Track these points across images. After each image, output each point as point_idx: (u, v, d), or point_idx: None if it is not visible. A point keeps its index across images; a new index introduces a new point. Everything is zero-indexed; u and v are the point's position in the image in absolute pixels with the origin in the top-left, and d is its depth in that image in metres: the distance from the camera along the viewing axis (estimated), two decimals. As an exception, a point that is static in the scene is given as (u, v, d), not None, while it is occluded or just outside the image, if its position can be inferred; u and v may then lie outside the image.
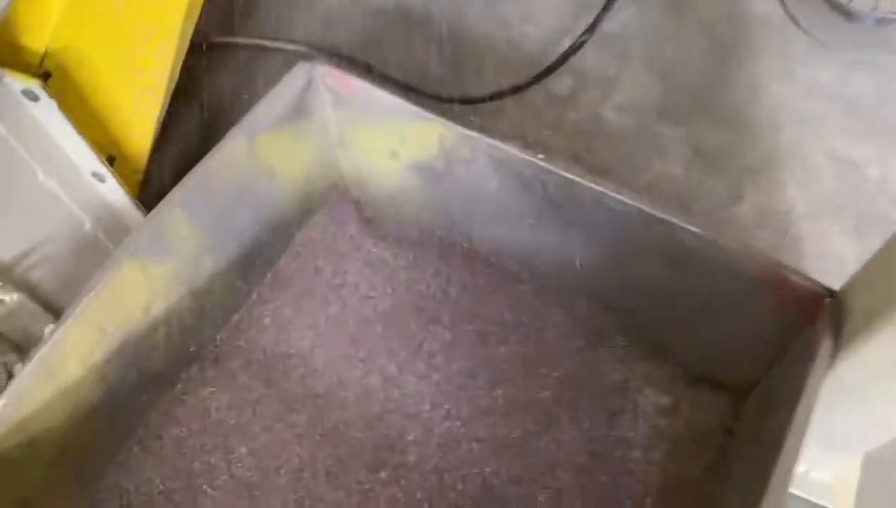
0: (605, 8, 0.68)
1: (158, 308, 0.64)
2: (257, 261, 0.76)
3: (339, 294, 0.77)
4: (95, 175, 0.67)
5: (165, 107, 0.74)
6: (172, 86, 0.73)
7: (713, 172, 0.88)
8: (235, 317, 0.76)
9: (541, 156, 0.63)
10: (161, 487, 0.69)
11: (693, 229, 0.58)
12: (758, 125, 0.91)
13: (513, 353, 0.74)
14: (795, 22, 0.96)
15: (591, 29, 0.65)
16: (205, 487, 0.69)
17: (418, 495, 0.68)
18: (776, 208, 0.84)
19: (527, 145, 0.93)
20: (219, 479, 0.69)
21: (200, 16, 0.75)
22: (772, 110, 0.92)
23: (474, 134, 0.65)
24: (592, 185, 0.60)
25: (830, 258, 0.81)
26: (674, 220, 0.58)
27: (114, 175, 0.68)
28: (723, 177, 0.88)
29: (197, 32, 0.76)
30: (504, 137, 0.83)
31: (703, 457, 0.69)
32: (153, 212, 0.61)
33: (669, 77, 0.97)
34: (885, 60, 0.93)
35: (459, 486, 0.69)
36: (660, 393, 0.72)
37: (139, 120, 0.71)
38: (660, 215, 0.59)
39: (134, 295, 0.61)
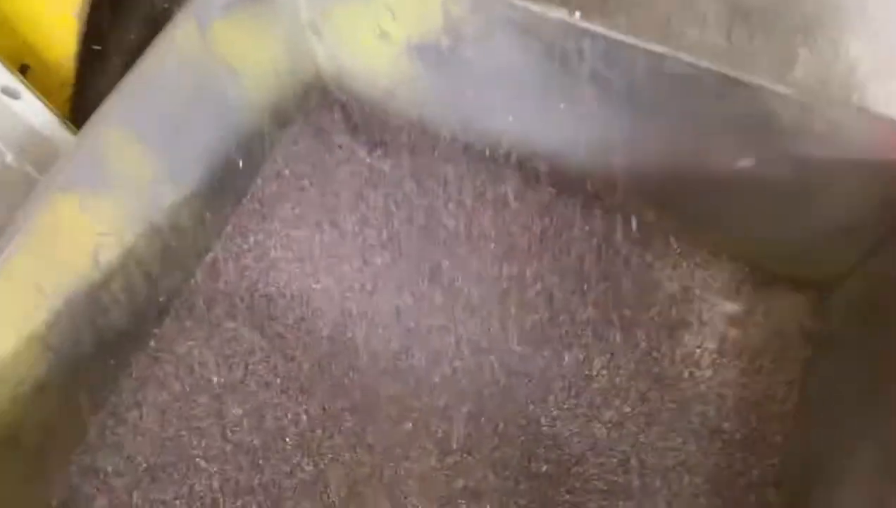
0: None
1: (110, 253, 0.51)
2: (228, 185, 0.63)
3: (332, 219, 0.64)
4: (5, 91, 0.52)
5: None
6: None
7: (759, 34, 0.74)
8: (210, 256, 0.63)
9: (578, 14, 0.49)
10: (145, 464, 0.57)
11: (783, 90, 0.45)
12: (807, -26, 0.76)
13: (547, 269, 0.62)
14: None
15: None
16: (198, 459, 0.58)
17: (454, 444, 0.57)
18: (837, 70, 0.71)
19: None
20: (213, 448, 0.58)
21: None
22: (822, -45, 0.77)
23: (487, -4, 0.51)
24: (650, 46, 0.47)
25: (907, 124, 0.69)
26: (760, 81, 0.45)
27: (30, 89, 0.53)
28: (771, 40, 0.74)
29: None
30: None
31: (785, 371, 0.58)
32: (84, 130, 0.47)
33: (697, -74, 0.81)
34: None
35: (501, 428, 0.58)
36: (727, 299, 0.61)
37: (57, 18, 0.55)
38: (742, 76, 0.45)
39: (74, 239, 0.47)
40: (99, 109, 0.47)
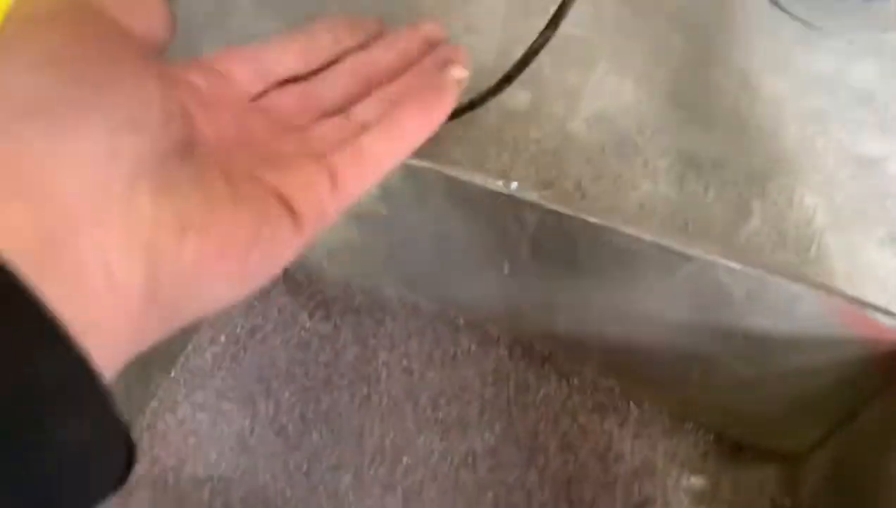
0: (563, 5, 0.53)
1: None
2: (154, 353, 0.58)
3: (268, 389, 0.60)
4: None
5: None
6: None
7: (712, 186, 0.74)
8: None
9: (514, 185, 0.47)
10: None
11: (733, 264, 0.43)
12: (755, 127, 0.77)
13: (499, 441, 0.58)
14: (777, 4, 0.83)
15: (551, 27, 0.50)
16: None
17: None
18: (793, 221, 0.70)
19: (486, 174, 0.77)
20: None
21: None
22: (769, 108, 0.78)
23: (423, 164, 0.49)
24: (589, 218, 0.45)
25: (867, 277, 0.67)
26: (707, 256, 0.43)
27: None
28: (724, 191, 0.74)
29: None
30: (461, 171, 0.67)
31: (761, 554, 0.53)
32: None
33: (643, 80, 0.83)
34: (883, 39, 0.81)
35: None
36: (692, 473, 0.56)
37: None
38: (689, 250, 0.43)
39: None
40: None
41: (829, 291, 0.42)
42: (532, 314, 0.57)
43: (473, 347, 0.61)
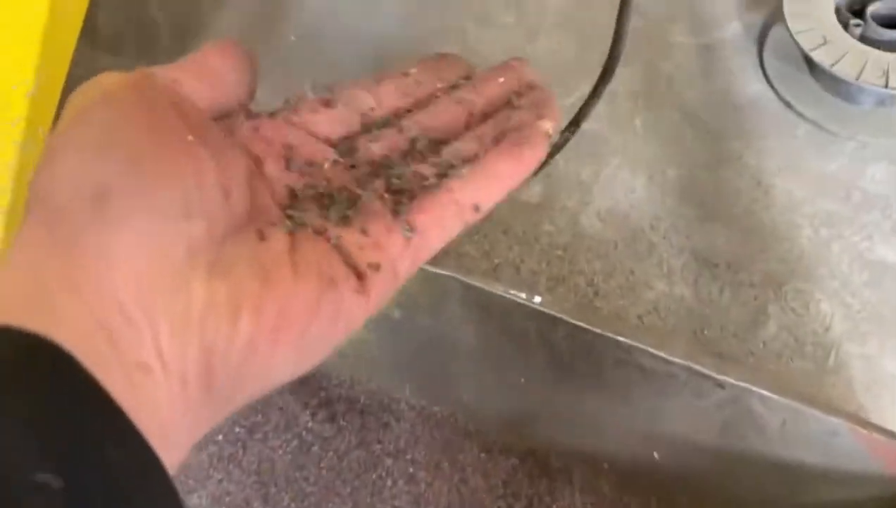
0: (585, 107, 0.53)
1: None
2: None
3: (265, 494, 0.57)
4: None
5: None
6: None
7: (727, 288, 0.72)
8: (118, 544, 0.54)
9: (538, 299, 0.45)
10: None
11: (768, 393, 0.41)
12: (770, 228, 0.76)
13: (510, 558, 0.55)
14: (790, 106, 0.83)
15: (572, 127, 0.49)
16: None
17: None
18: (810, 327, 0.69)
19: (495, 268, 0.76)
20: None
21: None
22: (782, 210, 0.77)
23: (439, 271, 0.47)
24: (618, 337, 0.43)
25: (887, 388, 0.65)
26: (741, 384, 0.41)
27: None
28: (740, 294, 0.72)
29: None
30: (471, 262, 0.65)
31: None
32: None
33: (656, 176, 0.82)
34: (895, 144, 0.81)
35: None
36: None
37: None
38: (720, 377, 0.41)
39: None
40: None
41: (866, 425, 0.40)
42: (547, 425, 0.54)
43: (483, 455, 0.58)
